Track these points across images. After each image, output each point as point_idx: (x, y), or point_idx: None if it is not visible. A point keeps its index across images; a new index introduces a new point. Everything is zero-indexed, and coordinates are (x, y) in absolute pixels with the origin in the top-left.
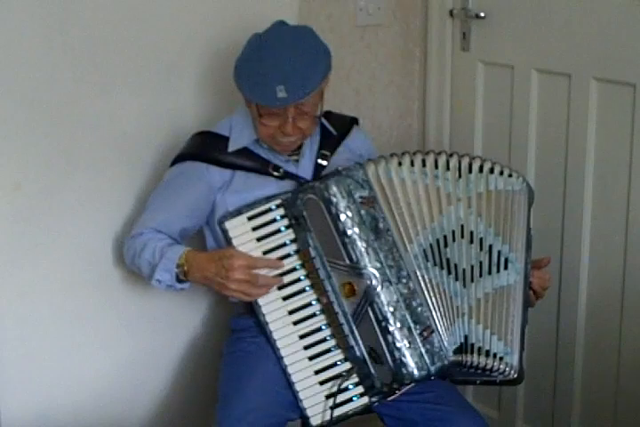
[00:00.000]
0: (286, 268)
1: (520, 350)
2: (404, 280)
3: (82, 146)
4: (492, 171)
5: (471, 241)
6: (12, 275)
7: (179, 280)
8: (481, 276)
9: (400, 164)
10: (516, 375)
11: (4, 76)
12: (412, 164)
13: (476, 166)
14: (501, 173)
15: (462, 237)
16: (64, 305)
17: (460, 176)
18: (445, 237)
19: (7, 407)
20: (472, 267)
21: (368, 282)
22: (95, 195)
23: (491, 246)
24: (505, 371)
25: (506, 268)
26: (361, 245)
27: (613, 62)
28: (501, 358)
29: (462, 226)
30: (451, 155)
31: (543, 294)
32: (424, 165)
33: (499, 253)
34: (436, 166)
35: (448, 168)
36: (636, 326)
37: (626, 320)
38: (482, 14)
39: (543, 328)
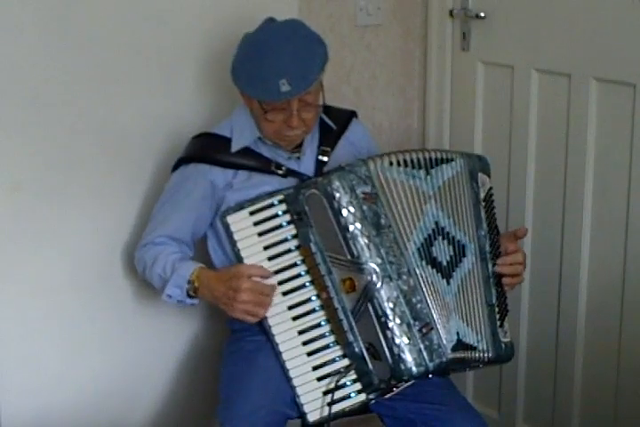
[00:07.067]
0: (287, 263)
1: (491, 329)
2: (405, 277)
3: (82, 146)
4: (442, 160)
5: (443, 236)
6: (12, 275)
7: (189, 296)
8: (454, 270)
9: (391, 163)
10: (491, 356)
11: (4, 77)
12: (399, 163)
13: (434, 159)
14: (447, 160)
15: (439, 233)
16: (64, 305)
17: (427, 173)
18: (429, 235)
19: (7, 407)
20: (448, 263)
21: (369, 278)
22: (95, 194)
23: (453, 238)
24: (481, 358)
25: (465, 255)
26: (362, 240)
27: (613, 62)
28: (475, 348)
29: (437, 223)
30: (416, 151)
31: (519, 272)
32: (406, 164)
33: (458, 242)
34: (413, 166)
35: (420, 166)
36: (636, 326)
37: (626, 320)
38: (482, 14)
39: (543, 328)
